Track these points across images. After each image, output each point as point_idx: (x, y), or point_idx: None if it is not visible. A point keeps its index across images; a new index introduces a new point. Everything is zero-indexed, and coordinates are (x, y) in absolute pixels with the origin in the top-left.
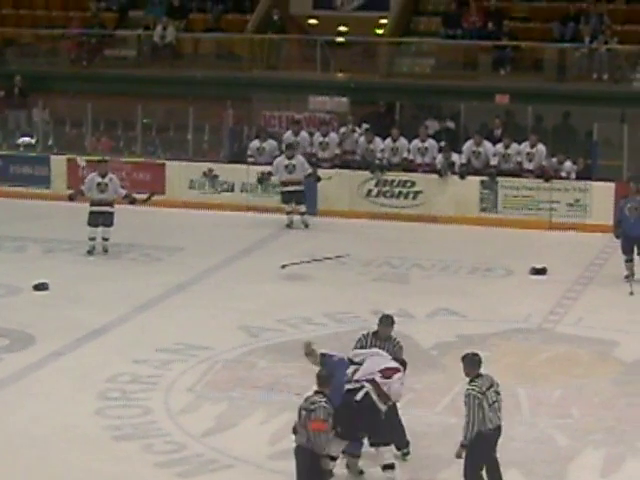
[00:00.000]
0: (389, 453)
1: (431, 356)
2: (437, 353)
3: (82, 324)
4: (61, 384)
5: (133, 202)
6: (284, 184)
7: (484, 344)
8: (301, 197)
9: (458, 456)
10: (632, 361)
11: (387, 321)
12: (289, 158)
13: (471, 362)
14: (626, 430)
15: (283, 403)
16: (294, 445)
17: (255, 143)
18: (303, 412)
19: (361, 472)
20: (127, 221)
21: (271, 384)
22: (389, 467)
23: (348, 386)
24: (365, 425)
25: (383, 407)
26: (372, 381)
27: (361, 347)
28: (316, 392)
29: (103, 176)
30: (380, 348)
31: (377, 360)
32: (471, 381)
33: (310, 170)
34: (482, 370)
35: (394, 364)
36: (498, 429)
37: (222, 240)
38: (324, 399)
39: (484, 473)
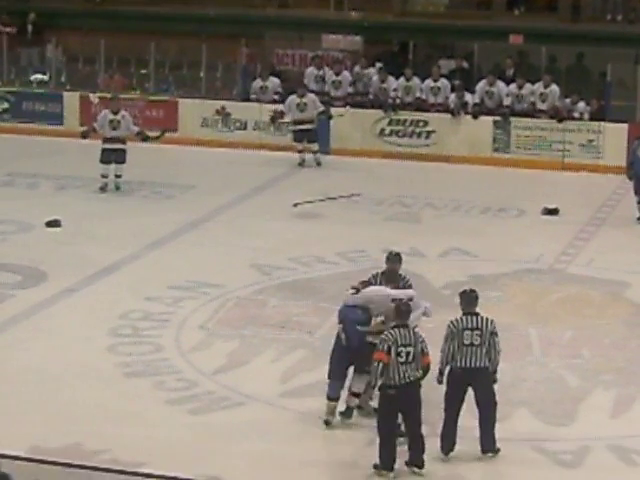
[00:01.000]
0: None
1: (443, 295)
2: (449, 293)
3: (94, 261)
4: (73, 321)
5: (145, 139)
6: (296, 122)
7: (496, 284)
8: (313, 135)
9: (438, 381)
10: None
11: (394, 258)
12: (300, 96)
13: (467, 299)
14: (636, 371)
15: (294, 341)
16: (405, 382)
17: (258, 82)
18: (405, 349)
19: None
20: (139, 158)
21: (282, 322)
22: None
23: (367, 327)
24: None
25: None
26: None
27: None
28: (403, 326)
29: (115, 113)
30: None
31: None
32: (460, 316)
33: (322, 108)
34: (491, 310)
35: (397, 294)
36: (474, 371)
37: (234, 178)
38: (418, 331)
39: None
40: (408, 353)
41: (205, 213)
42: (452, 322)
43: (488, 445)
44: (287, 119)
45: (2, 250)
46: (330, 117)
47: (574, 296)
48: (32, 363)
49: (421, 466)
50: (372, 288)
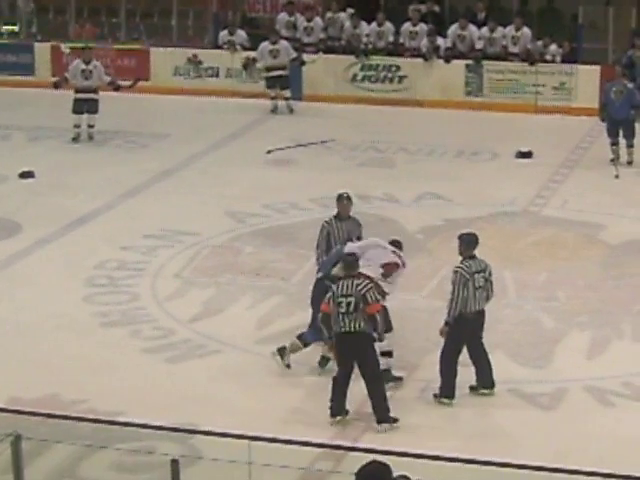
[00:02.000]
0: (388, 341)
1: (417, 240)
2: (423, 237)
3: (68, 211)
4: (48, 272)
5: (117, 88)
6: (268, 69)
7: (470, 228)
8: (285, 82)
9: (442, 333)
10: (617, 243)
11: (344, 198)
12: (273, 43)
13: (467, 242)
14: (611, 312)
15: (270, 288)
16: (343, 330)
17: (225, 35)
18: (345, 299)
19: None
20: (112, 108)
21: (258, 269)
22: (387, 354)
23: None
24: None
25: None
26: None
27: (327, 233)
28: (349, 276)
29: (87, 63)
30: (344, 228)
31: (379, 253)
32: (462, 260)
33: (294, 54)
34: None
35: (392, 257)
36: (480, 314)
37: (208, 126)
38: (366, 281)
39: (469, 359)
40: (349, 304)
41: (179, 161)
42: (461, 268)
43: (491, 383)
44: (259, 65)
45: None
46: (303, 63)
47: (548, 238)
48: (8, 314)
49: (385, 420)
50: (372, 239)
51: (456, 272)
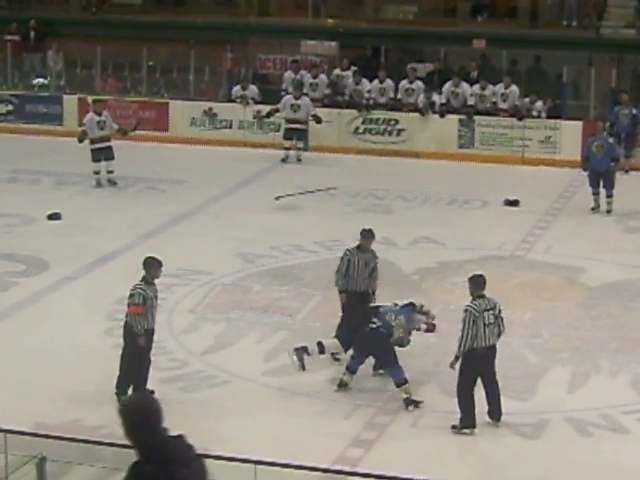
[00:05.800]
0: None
1: (412, 281)
2: (418, 278)
3: (92, 251)
4: (73, 306)
5: (126, 133)
6: (288, 121)
7: (461, 270)
8: (302, 135)
9: (451, 366)
10: (597, 286)
11: (368, 234)
12: (296, 98)
13: (476, 283)
14: (590, 349)
15: (276, 324)
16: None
17: (238, 90)
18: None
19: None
20: (134, 156)
21: (265, 306)
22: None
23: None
24: None
25: None
26: None
27: (348, 261)
28: (142, 279)
29: (100, 114)
30: (363, 259)
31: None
32: (473, 300)
33: (314, 111)
34: (457, 294)
35: None
36: (491, 348)
37: (221, 173)
38: (141, 285)
39: (482, 388)
40: None
41: (194, 206)
42: (471, 306)
43: (499, 414)
44: (280, 115)
45: (7, 241)
46: (319, 121)
47: (533, 280)
48: (35, 345)
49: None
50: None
51: (466, 310)
